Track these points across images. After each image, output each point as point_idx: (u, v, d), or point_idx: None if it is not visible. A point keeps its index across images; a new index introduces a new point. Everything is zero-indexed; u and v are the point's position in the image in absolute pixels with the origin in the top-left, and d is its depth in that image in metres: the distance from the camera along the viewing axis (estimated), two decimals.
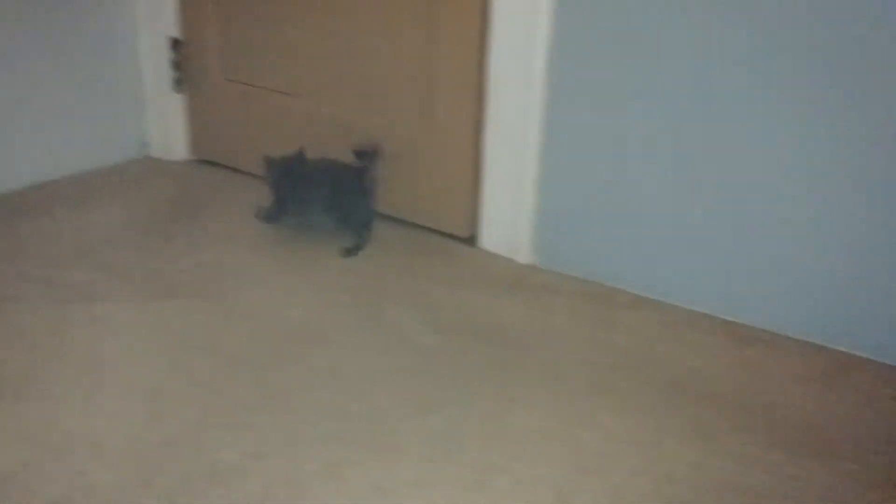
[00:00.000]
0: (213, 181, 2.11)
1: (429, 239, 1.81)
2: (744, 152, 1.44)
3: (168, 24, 2.12)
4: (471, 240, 1.79)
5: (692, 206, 1.52)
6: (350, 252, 1.73)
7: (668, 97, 1.48)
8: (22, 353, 1.33)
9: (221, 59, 2.11)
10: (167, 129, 2.21)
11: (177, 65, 2.15)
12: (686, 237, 1.54)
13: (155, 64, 2.16)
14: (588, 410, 1.26)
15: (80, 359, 1.33)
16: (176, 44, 2.13)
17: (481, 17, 1.64)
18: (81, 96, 2.07)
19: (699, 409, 1.27)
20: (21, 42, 1.91)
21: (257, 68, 2.05)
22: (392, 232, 1.84)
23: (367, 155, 1.74)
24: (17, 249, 1.68)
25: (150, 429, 1.17)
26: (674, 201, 1.53)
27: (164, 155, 2.22)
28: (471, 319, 1.50)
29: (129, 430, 1.16)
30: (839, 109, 1.35)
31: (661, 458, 1.16)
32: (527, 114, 1.63)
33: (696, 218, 1.52)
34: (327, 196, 1.73)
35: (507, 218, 1.72)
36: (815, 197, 1.40)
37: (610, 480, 1.11)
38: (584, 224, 1.64)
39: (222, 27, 2.08)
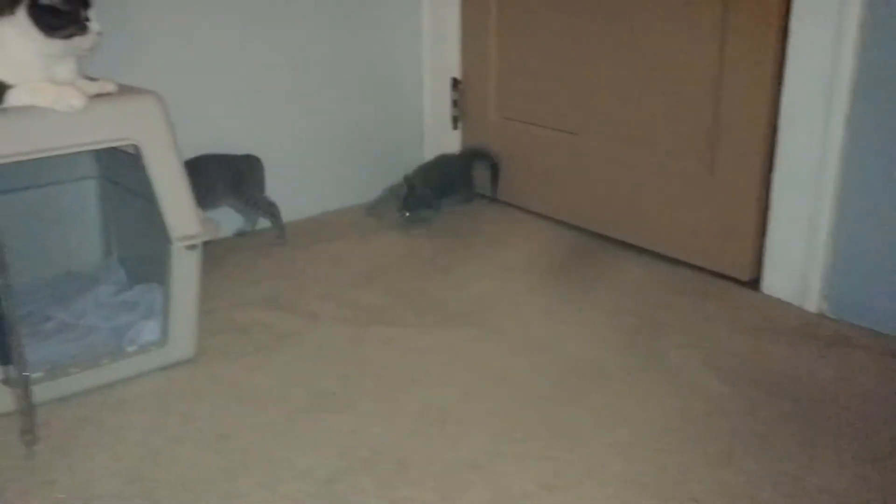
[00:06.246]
0: (488, 215, 2.19)
1: (707, 280, 1.76)
2: None
3: (451, 64, 2.25)
4: (753, 283, 1.72)
5: None
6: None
7: None
8: (329, 368, 1.46)
9: (498, 97, 2.20)
10: None
11: (455, 103, 2.27)
12: None
13: (436, 102, 2.30)
14: None
15: (379, 377, 1.42)
16: (456, 83, 2.26)
17: (776, 49, 1.58)
18: (370, 132, 2.24)
19: None
20: (321, 83, 2.11)
21: (533, 107, 2.11)
22: (669, 271, 1.81)
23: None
24: (314, 272, 1.84)
25: (448, 450, 1.22)
26: None
27: None
28: (760, 368, 1.44)
29: (429, 450, 1.23)
30: None
31: None
32: (824, 152, 1.54)
33: None
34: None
35: (796, 262, 1.63)
36: None
37: None
38: (884, 273, 1.52)
39: (501, 68, 2.17)
